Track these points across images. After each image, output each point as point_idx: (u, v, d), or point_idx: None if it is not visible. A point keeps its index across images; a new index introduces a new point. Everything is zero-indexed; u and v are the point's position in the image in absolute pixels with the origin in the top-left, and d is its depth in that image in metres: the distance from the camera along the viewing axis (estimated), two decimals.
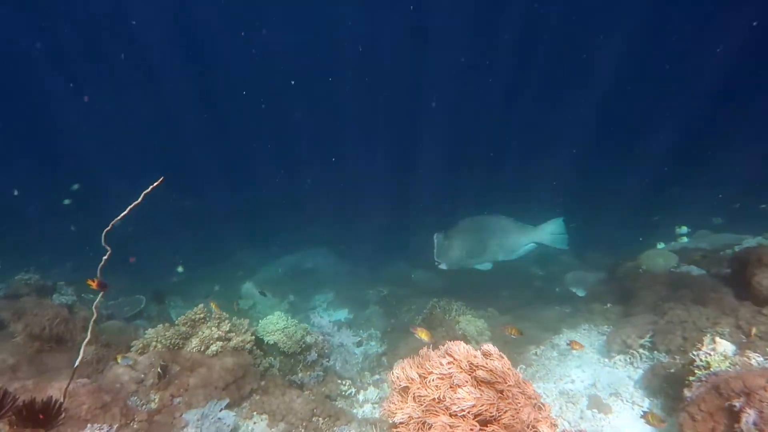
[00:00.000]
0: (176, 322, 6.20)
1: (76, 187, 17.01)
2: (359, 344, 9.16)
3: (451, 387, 3.38)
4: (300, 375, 6.56)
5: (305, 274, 17.50)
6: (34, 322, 6.40)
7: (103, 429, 3.75)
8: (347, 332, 7.01)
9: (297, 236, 21.84)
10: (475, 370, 3.46)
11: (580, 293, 11.73)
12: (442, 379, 3.47)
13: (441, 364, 3.56)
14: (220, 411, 5.28)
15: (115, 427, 3.88)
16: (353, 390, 6.78)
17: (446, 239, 10.16)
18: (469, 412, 3.28)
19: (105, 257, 4.38)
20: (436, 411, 3.35)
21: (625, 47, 23.98)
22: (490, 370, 3.40)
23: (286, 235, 21.78)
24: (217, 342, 6.17)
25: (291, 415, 5.55)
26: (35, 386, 5.31)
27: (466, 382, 3.45)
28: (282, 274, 16.62)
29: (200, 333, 6.16)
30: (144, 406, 5.38)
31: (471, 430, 3.20)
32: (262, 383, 6.02)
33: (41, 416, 3.75)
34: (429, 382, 3.52)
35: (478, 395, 3.28)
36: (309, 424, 5.40)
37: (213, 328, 6.20)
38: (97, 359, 6.71)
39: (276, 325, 6.74)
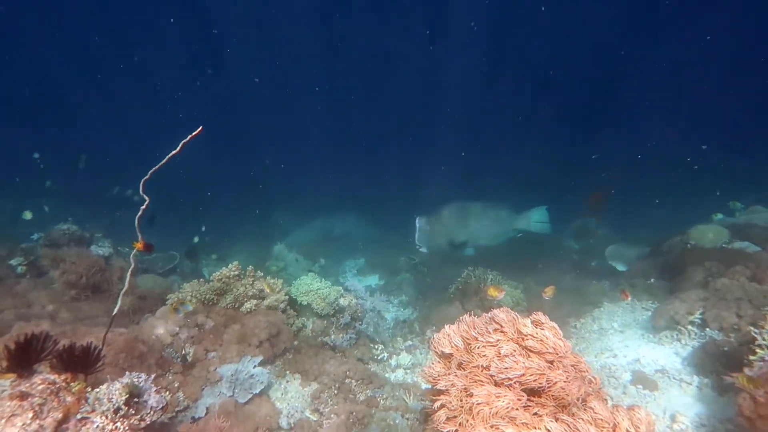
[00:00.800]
0: (211, 278, 6.21)
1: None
2: (391, 310, 9.13)
3: (498, 355, 3.22)
4: (333, 337, 6.54)
5: (336, 238, 17.57)
6: (73, 270, 6.54)
7: (140, 377, 3.77)
8: (381, 297, 6.94)
9: (329, 202, 21.93)
10: (524, 339, 3.28)
11: (621, 267, 11.34)
12: (487, 346, 3.31)
13: (487, 332, 3.39)
14: (254, 367, 5.30)
15: (152, 377, 3.89)
16: (385, 354, 6.74)
17: (428, 224, 10.24)
18: (515, 382, 3.12)
19: (143, 207, 4.31)
20: (481, 380, 3.21)
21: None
22: (541, 340, 3.21)
23: (319, 199, 21.90)
24: (252, 300, 6.17)
25: (324, 376, 5.54)
26: (73, 332, 5.44)
27: (514, 351, 3.28)
28: (313, 238, 16.74)
29: (234, 290, 6.16)
30: (179, 359, 5.45)
31: (518, 400, 3.04)
32: (295, 343, 6.02)
33: (80, 361, 3.78)
34: (474, 349, 3.37)
35: (527, 365, 3.11)
36: (342, 386, 5.38)
37: (247, 286, 6.19)
38: (133, 310, 6.86)
39: (310, 286, 6.70)
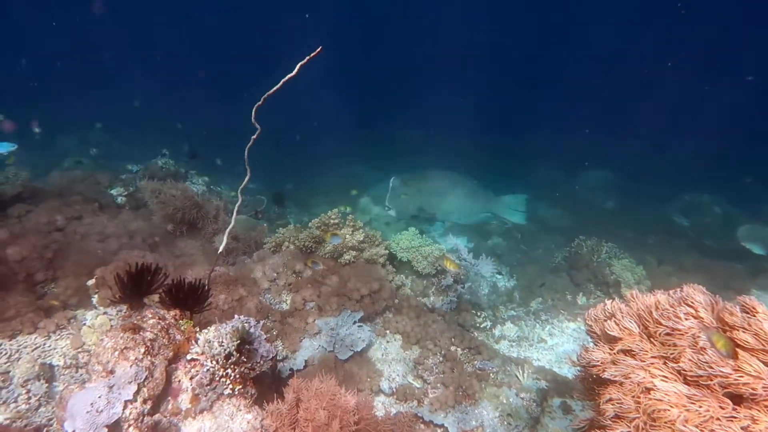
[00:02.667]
0: (309, 224, 5.96)
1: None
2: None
3: (694, 347, 2.61)
4: (432, 299, 6.15)
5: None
6: (171, 204, 6.57)
7: (250, 322, 3.57)
8: (488, 261, 6.42)
9: (414, 158, 21.39)
10: (729, 330, 2.63)
11: (758, 251, 9.99)
12: (679, 335, 2.70)
13: (676, 316, 2.76)
14: (354, 324, 5.03)
15: (261, 323, 3.68)
16: (488, 323, 6.28)
17: (402, 185, 9.71)
18: (716, 384, 2.52)
19: (254, 136, 4.00)
20: (666, 375, 2.62)
21: None
22: (756, 333, 2.55)
23: (405, 157, 21.40)
24: (351, 251, 5.89)
25: (427, 341, 5.18)
26: (174, 268, 5.43)
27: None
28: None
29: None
30: (277, 305, 5.29)
31: (721, 408, 2.45)
32: (395, 301, 5.68)
33: (189, 299, 3.63)
34: (657, 335, 2.77)
35: (738, 364, 2.48)
36: (448, 354, 4.99)
37: (347, 236, 5.89)
38: (226, 250, 6.85)
39: (411, 242, 6.30)
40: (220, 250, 4.28)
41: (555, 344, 6.22)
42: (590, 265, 8.15)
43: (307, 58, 3.76)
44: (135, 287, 3.57)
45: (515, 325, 6.50)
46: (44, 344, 4.02)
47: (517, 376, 4.92)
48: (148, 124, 20.62)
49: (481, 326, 6.20)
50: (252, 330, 3.41)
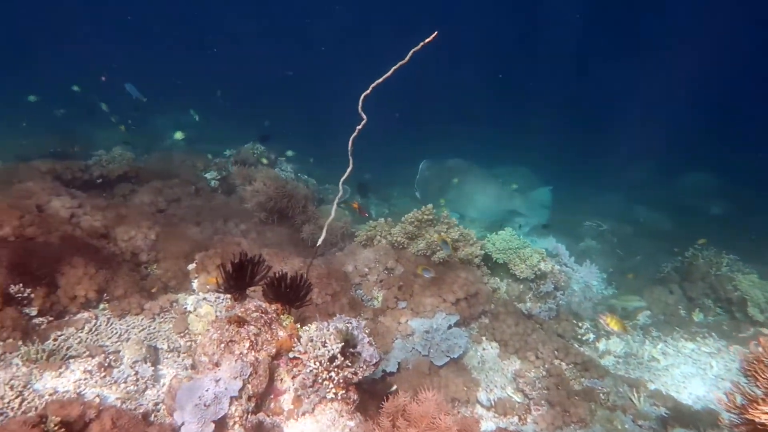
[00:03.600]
0: (403, 219, 5.79)
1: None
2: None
3: None
4: (528, 305, 5.79)
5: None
6: (264, 192, 6.66)
7: (351, 323, 3.45)
8: (593, 268, 5.95)
9: (500, 152, 20.75)
10: None
11: None
12: None
13: None
14: (449, 327, 4.80)
15: (363, 324, 3.55)
16: (591, 335, 5.82)
17: (428, 170, 10.09)
18: None
19: (359, 127, 3.85)
20: None
21: None
22: None
23: (490, 149, 20.79)
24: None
25: (528, 351, 4.85)
26: (269, 259, 5.45)
27: None
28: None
29: (427, 236, 5.67)
30: (368, 302, 5.18)
31: None
32: (492, 306, 5.39)
33: (291, 293, 3.57)
34: None
35: None
36: (552, 368, 4.64)
37: (442, 233, 5.65)
38: (313, 242, 6.86)
39: (509, 243, 5.96)
40: (319, 242, 4.20)
41: (670, 365, 5.65)
42: (707, 279, 7.32)
43: (421, 44, 3.54)
44: (239, 278, 3.56)
45: (621, 340, 5.97)
46: (149, 326, 4.16)
47: (631, 400, 4.48)
48: (234, 112, 21.43)
49: (583, 338, 5.76)
50: (355, 332, 3.28)
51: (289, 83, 27.61)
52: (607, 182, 19.16)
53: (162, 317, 4.33)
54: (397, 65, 3.53)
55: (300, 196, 6.99)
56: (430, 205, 5.86)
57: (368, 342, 3.35)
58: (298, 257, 5.30)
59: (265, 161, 8.86)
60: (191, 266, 4.99)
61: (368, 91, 3.66)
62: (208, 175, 8.65)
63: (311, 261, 4.46)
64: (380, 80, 3.58)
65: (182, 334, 4.16)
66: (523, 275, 5.86)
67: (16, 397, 3.03)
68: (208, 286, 4.77)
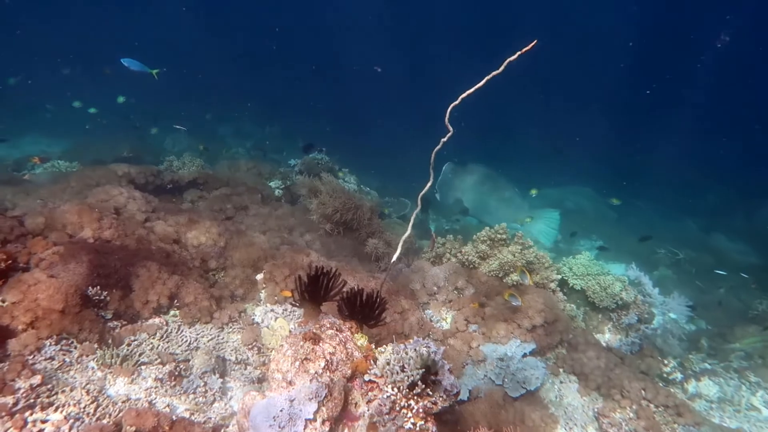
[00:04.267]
0: (474, 237, 5.55)
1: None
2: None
3: None
4: (608, 336, 5.39)
5: (567, 213, 15.77)
6: (330, 204, 6.60)
7: (430, 347, 3.25)
8: (681, 300, 5.46)
9: (559, 170, 20.08)
10: None
11: None
12: None
13: None
14: (524, 356, 4.50)
15: (442, 349, 3.34)
16: (679, 375, 5.31)
17: (451, 173, 10.24)
18: None
19: (444, 139, 3.68)
20: None
21: None
22: None
23: (548, 167, 20.15)
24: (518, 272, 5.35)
25: (612, 388, 4.47)
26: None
27: None
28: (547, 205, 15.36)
29: (500, 256, 5.40)
30: (437, 323, 4.96)
31: None
32: (569, 336, 5.03)
33: (365, 310, 3.41)
34: None
35: None
36: (640, 410, 4.23)
37: (516, 254, 5.36)
38: (377, 255, 6.72)
39: (588, 268, 5.59)
40: (393, 259, 4.03)
41: None
42: None
43: (518, 53, 3.33)
44: (314, 291, 3.45)
45: (714, 383, 5.43)
46: (218, 336, 4.13)
47: None
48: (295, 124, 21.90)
49: (670, 378, 5.26)
50: (436, 358, 3.07)
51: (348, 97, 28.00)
52: (677, 206, 18.18)
53: (230, 327, 4.29)
54: (490, 75, 3.34)
55: (366, 208, 6.89)
56: (503, 224, 5.59)
57: (449, 369, 3.13)
58: (366, 271, 5.17)
59: (329, 172, 8.86)
60: (259, 276, 4.96)
61: (457, 102, 3.49)
62: (272, 184, 8.74)
63: (385, 277, 4.30)
64: (471, 91, 3.41)
65: (250, 347, 4.10)
66: (602, 304, 5.47)
67: (92, 403, 3.03)
68: (276, 297, 4.71)
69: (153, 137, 13.88)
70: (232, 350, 4.03)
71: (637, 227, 15.57)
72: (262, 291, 4.84)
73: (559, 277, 5.48)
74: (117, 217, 4.94)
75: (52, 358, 3.36)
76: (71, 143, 12.72)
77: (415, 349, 3.13)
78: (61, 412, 2.92)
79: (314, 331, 3.18)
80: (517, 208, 10.22)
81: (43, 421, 2.85)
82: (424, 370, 2.94)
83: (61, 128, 14.89)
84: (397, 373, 2.95)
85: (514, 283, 5.29)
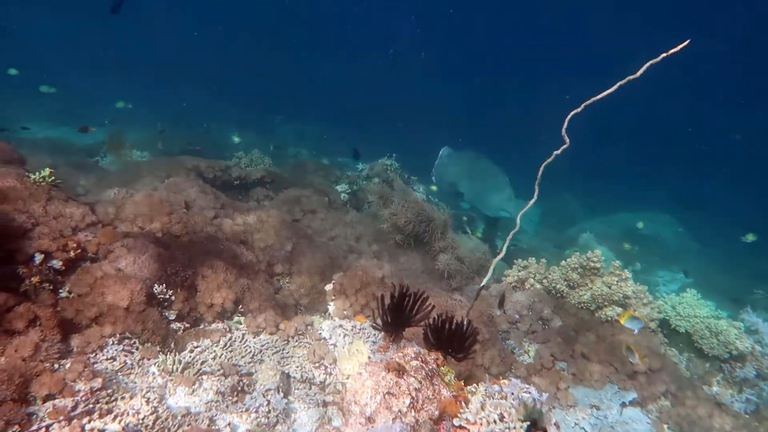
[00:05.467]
0: (562, 263, 5.04)
1: None
2: None
3: None
4: (716, 390, 4.72)
5: (643, 239, 14.70)
6: (402, 215, 6.26)
7: (530, 392, 2.83)
8: None
9: (636, 192, 18.94)
10: None
11: None
12: None
13: None
14: (624, 406, 3.95)
15: (546, 396, 2.90)
16: None
17: (448, 158, 10.51)
18: None
19: (557, 152, 3.25)
20: None
21: None
22: None
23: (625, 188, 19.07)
24: (613, 306, 4.80)
25: None
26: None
27: None
28: (616, 232, 14.36)
29: (593, 286, 4.86)
30: (519, 355, 4.48)
31: None
32: (675, 387, 4.42)
33: (453, 341, 3.03)
34: None
35: None
36: None
37: (612, 286, 4.81)
38: (449, 273, 6.31)
39: (695, 309, 4.95)
40: (483, 283, 3.62)
41: None
42: None
43: (662, 55, 2.86)
44: (397, 314, 3.10)
45: None
46: (283, 349, 3.86)
47: None
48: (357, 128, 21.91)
49: None
50: (543, 409, 2.63)
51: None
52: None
53: (296, 341, 4.01)
54: (624, 80, 2.88)
55: (440, 221, 6.50)
56: (597, 251, 5.04)
57: (555, 424, 2.68)
58: (442, 290, 4.77)
59: (399, 179, 8.56)
60: (328, 287, 4.68)
61: (579, 110, 3.05)
62: (338, 188, 8.53)
63: (472, 304, 3.90)
64: (598, 97, 2.97)
65: (316, 365, 3.80)
66: (712, 352, 4.81)
67: (151, 414, 2.80)
68: (345, 311, 4.40)
69: (217, 132, 14.19)
70: (297, 367, 3.74)
71: (722, 260, 14.37)
72: (331, 303, 4.56)
73: (660, 316, 4.87)
74: (186, 212, 4.80)
75: (113, 359, 3.18)
76: (143, 133, 13.16)
77: (514, 395, 2.72)
78: (120, 422, 2.71)
79: (398, 360, 2.82)
80: (505, 196, 10.53)
81: (101, 431, 2.65)
82: (529, 423, 2.52)
83: (133, 119, 15.55)
84: (495, 422, 2.54)
85: (608, 319, 4.74)
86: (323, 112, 23.12)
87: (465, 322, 3.10)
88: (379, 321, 3.06)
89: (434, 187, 10.40)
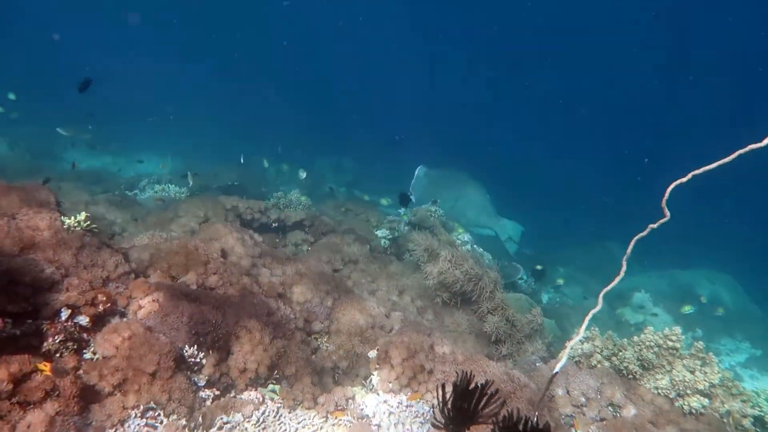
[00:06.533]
0: (635, 339, 4.53)
1: None
2: None
3: None
4: None
5: (699, 305, 13.66)
6: (450, 273, 5.86)
7: None
8: None
9: (685, 247, 17.94)
10: None
11: None
12: None
13: None
14: None
15: None
16: None
17: (426, 176, 10.92)
18: None
19: (653, 225, 2.84)
20: None
21: None
22: None
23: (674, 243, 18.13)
24: (698, 396, 4.23)
25: None
26: (468, 362, 4.54)
27: None
28: (671, 291, 13.45)
29: (672, 371, 4.32)
30: None
31: None
32: None
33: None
34: None
35: None
36: None
37: (696, 372, 4.26)
38: (497, 338, 5.85)
39: None
40: (557, 369, 3.18)
41: None
42: None
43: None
44: (459, 408, 2.69)
45: None
46: (321, 428, 3.47)
47: None
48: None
49: None
50: None
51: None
52: None
53: (335, 418, 3.61)
54: (747, 148, 2.49)
55: (489, 279, 6.08)
56: (677, 329, 4.52)
57: None
58: (499, 366, 4.32)
59: (442, 227, 8.20)
60: (371, 353, 4.30)
61: (684, 180, 2.66)
62: (379, 233, 8.22)
63: (543, 394, 3.43)
64: (713, 166, 2.58)
65: None
66: None
67: None
68: (390, 384, 3.99)
69: (255, 164, 14.24)
70: None
71: None
72: (374, 372, 4.16)
73: (755, 412, 4.27)
74: (224, 261, 4.54)
75: None
76: (179, 163, 13.30)
77: None
78: None
79: None
80: (486, 213, 10.73)
81: None
82: None
83: (169, 144, 15.87)
84: None
85: (692, 410, 4.18)
86: (359, 146, 23.12)
87: (542, 425, 2.67)
88: (438, 416, 2.66)
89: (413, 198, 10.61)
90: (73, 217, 3.61)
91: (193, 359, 3.44)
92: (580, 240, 19.47)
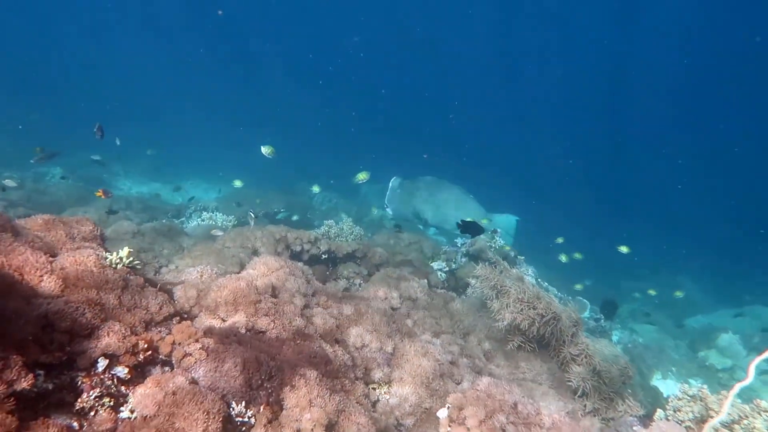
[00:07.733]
0: (762, 404, 3.83)
1: None
2: None
3: None
4: None
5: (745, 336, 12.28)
6: (524, 314, 5.31)
7: None
8: None
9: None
10: None
11: None
12: None
13: None
14: None
15: None
16: None
17: (400, 187, 10.86)
18: None
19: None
20: None
21: None
22: None
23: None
24: None
25: None
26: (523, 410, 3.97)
27: None
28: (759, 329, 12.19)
29: (746, 425, 3.61)
30: None
31: None
32: None
33: None
34: None
35: None
36: None
37: None
38: (584, 392, 5.21)
39: None
40: None
41: None
42: None
43: None
44: None
45: None
46: None
47: None
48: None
49: None
50: None
51: None
52: None
53: None
54: None
55: (569, 321, 5.48)
56: None
57: None
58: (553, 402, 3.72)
59: (504, 260, 7.63)
60: (442, 413, 3.78)
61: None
62: (434, 265, 7.75)
63: None
64: None
65: None
66: None
67: None
68: None
69: (302, 191, 14.08)
70: None
71: None
72: None
73: None
74: (275, 300, 4.18)
75: None
76: (226, 190, 13.31)
77: None
78: None
79: None
80: (474, 213, 10.38)
81: None
82: None
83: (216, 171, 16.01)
84: None
85: None
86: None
87: None
88: None
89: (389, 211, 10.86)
90: (115, 253, 3.34)
91: (240, 419, 3.05)
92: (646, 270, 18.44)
